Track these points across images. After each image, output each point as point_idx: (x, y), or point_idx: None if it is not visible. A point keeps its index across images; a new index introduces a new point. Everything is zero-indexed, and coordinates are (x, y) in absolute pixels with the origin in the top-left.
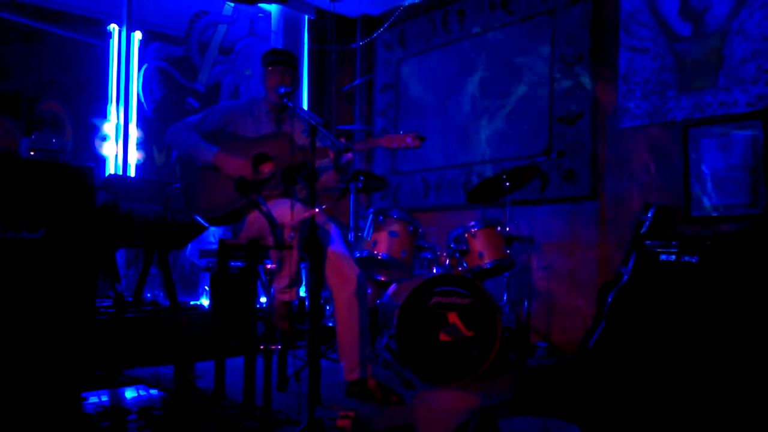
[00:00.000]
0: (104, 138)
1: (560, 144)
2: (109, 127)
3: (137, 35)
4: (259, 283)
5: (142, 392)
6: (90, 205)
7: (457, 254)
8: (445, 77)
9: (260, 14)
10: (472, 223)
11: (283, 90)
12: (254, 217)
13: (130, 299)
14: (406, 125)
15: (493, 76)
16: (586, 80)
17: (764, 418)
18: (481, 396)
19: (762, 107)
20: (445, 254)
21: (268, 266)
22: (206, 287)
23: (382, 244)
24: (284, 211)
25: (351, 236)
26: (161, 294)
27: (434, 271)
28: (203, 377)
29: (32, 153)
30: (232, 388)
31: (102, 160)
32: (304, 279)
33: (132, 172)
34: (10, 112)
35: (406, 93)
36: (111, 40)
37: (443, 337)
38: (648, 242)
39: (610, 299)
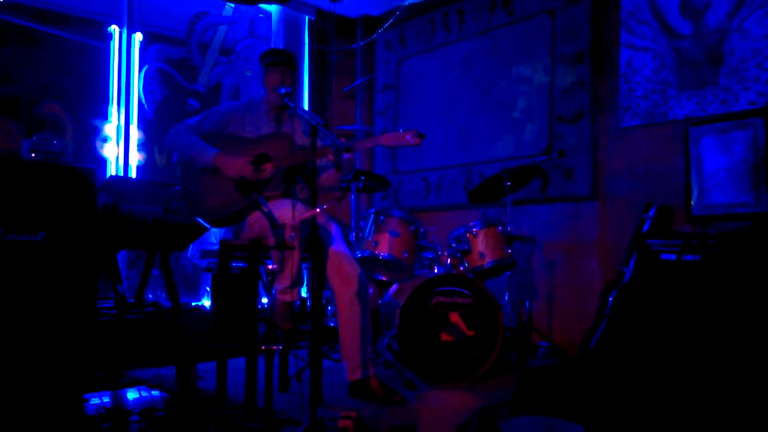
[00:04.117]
0: (105, 139)
1: (561, 143)
2: (110, 129)
3: (138, 37)
4: (260, 283)
5: (143, 393)
6: (91, 206)
7: (459, 254)
8: (445, 77)
9: (260, 15)
10: (474, 222)
11: (283, 90)
12: (255, 218)
13: (132, 301)
14: (407, 125)
15: (494, 76)
16: (586, 79)
17: (765, 418)
18: (483, 396)
19: (763, 105)
20: (446, 254)
21: (270, 267)
22: (208, 288)
23: (384, 244)
24: (285, 211)
25: (352, 236)
26: (163, 295)
27: (436, 270)
28: (205, 378)
29: (33, 155)
30: (233, 389)
31: (103, 162)
32: (305, 279)
33: (133, 174)
34: (11, 114)
35: (407, 93)
36: (112, 42)
37: (445, 337)
38: (649, 241)
39: (611, 299)
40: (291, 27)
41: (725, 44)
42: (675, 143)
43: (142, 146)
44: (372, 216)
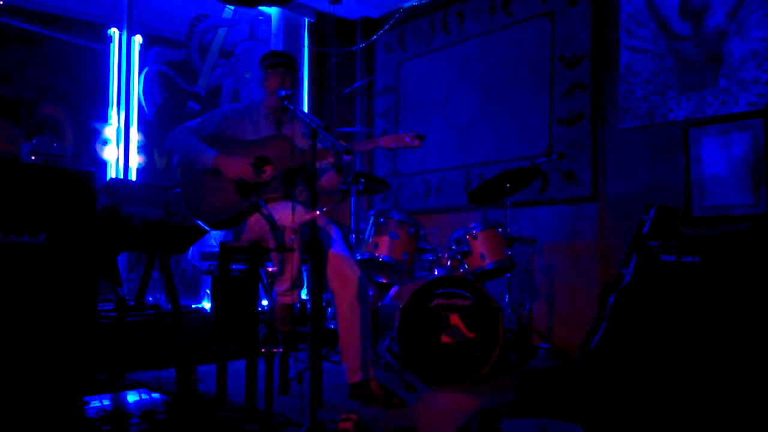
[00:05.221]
0: (105, 142)
1: (561, 145)
2: (109, 131)
3: (138, 39)
4: (260, 285)
5: (144, 396)
6: (91, 209)
7: (459, 256)
8: (445, 79)
9: (260, 17)
10: (474, 224)
11: (283, 93)
12: (255, 220)
13: (132, 303)
14: (407, 127)
15: (493, 78)
16: (586, 81)
17: (765, 418)
18: (483, 398)
19: (762, 106)
20: (446, 256)
21: (270, 269)
22: (208, 290)
23: (384, 246)
24: (285, 213)
25: (352, 238)
26: (163, 298)
27: (436, 272)
28: (205, 380)
29: (33, 157)
30: (233, 392)
31: (103, 164)
32: (305, 281)
33: (133, 176)
34: (11, 116)
35: (407, 95)
36: (111, 45)
37: (445, 339)
38: (649, 243)
39: (611, 300)
40: (291, 29)
41: (724, 46)
42: (675, 144)
43: (142, 149)
44: (372, 218)
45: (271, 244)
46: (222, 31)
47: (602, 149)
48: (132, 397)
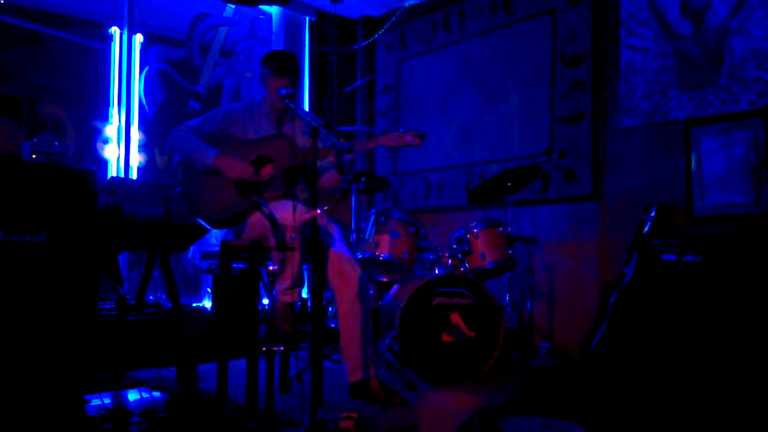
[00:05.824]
0: (106, 141)
1: (561, 144)
2: (110, 130)
3: (138, 38)
4: (261, 284)
5: (144, 394)
6: (92, 208)
7: (459, 255)
8: (446, 78)
9: (261, 16)
10: (474, 223)
11: (284, 92)
12: (256, 219)
13: (133, 302)
14: (408, 126)
15: (494, 77)
16: (587, 80)
17: (765, 418)
18: (484, 397)
19: (763, 105)
20: (447, 255)
21: (270, 268)
22: (209, 289)
23: (384, 245)
24: (286, 212)
25: (353, 237)
26: (164, 296)
27: (436, 271)
28: (206, 379)
29: (34, 156)
30: (234, 390)
31: (104, 163)
32: (306, 280)
33: (134, 175)
34: (12, 115)
35: (407, 94)
36: (112, 43)
37: (446, 337)
38: (650, 242)
39: (612, 299)
40: (291, 28)
41: (726, 45)
42: (676, 144)
43: (143, 147)
44: (372, 217)
45: (272, 242)
46: (223, 30)
47: (603, 148)
48: (133, 396)
